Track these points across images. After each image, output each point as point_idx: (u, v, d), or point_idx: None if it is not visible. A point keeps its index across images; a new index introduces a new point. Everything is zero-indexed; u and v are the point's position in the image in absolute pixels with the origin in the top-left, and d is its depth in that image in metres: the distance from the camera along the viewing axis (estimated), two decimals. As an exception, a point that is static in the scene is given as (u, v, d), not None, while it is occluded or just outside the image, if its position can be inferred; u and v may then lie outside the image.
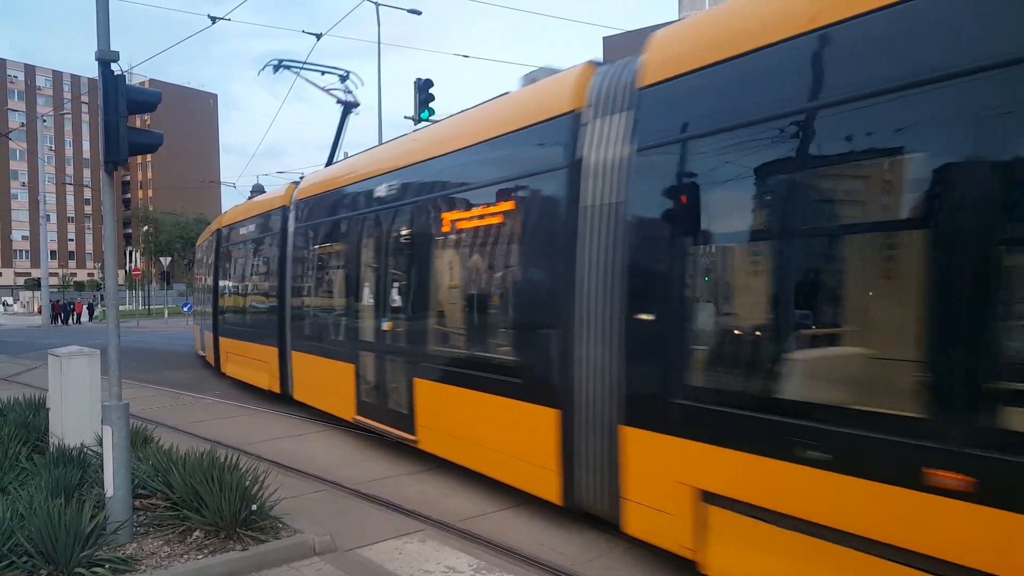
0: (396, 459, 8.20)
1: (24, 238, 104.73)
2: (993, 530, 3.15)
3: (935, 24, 3.54)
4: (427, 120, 17.18)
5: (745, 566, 4.30)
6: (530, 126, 6.34)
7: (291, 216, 11.96)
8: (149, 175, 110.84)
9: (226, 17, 15.39)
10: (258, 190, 25.79)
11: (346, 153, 12.97)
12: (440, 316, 7.82)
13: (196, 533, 5.30)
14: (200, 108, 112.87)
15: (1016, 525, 3.07)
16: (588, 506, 5.67)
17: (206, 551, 5.09)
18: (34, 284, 71.55)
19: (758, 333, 4.64)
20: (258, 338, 13.26)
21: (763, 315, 4.56)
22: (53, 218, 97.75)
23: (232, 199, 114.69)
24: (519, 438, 6.20)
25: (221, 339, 16.33)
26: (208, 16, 14.70)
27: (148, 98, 5.87)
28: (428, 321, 7.83)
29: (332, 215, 10.60)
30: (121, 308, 15.70)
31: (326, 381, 10.23)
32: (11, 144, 75.46)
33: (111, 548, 4.96)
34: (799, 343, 4.28)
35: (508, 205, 6.58)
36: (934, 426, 3.37)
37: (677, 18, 36.54)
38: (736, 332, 4.87)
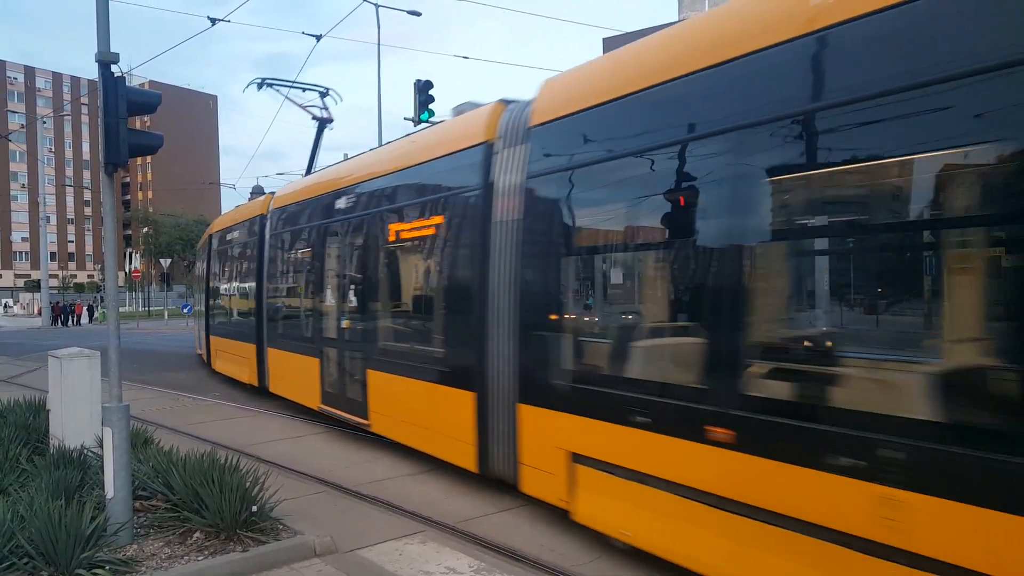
0: (396, 460, 8.21)
1: (24, 240, 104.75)
2: (751, 471, 4.07)
3: (721, 92, 4.48)
4: (427, 121, 17.19)
5: (600, 510, 5.38)
6: (454, 152, 7.36)
7: (267, 224, 13.00)
8: (149, 176, 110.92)
9: (226, 19, 15.41)
10: (258, 192, 25.87)
11: (346, 155, 13.10)
12: (387, 315, 8.88)
13: (196, 534, 5.31)
14: (200, 110, 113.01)
15: (764, 466, 3.98)
16: (497, 472, 6.60)
17: (207, 552, 5.10)
18: (34, 286, 71.57)
19: (603, 324, 6.11)
20: (240, 336, 14.30)
21: (605, 311, 6.10)
22: (53, 220, 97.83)
23: (232, 201, 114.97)
24: (446, 418, 7.21)
25: (212, 338, 17.15)
26: (208, 18, 14.77)
27: (148, 100, 5.91)
28: (377, 319, 8.89)
29: (298, 224, 11.67)
30: (121, 310, 15.72)
31: (296, 374, 11.22)
32: (11, 146, 75.76)
33: (111, 549, 4.97)
34: (631, 331, 5.54)
35: (438, 219, 7.60)
36: (710, 394, 4.40)
37: (677, 19, 36.52)
38: (588, 322, 6.16)
